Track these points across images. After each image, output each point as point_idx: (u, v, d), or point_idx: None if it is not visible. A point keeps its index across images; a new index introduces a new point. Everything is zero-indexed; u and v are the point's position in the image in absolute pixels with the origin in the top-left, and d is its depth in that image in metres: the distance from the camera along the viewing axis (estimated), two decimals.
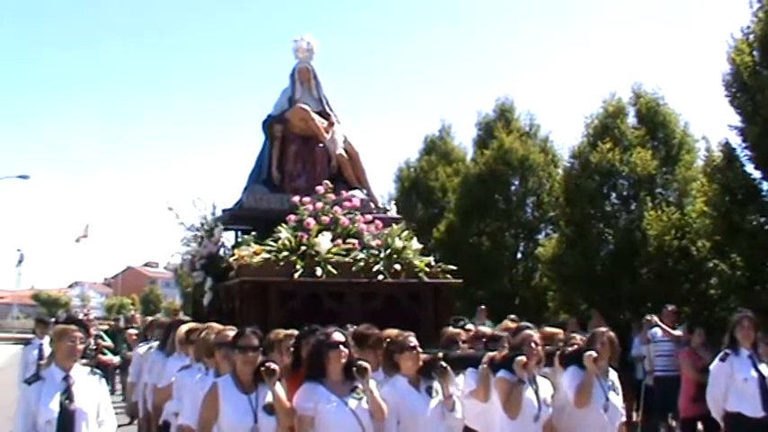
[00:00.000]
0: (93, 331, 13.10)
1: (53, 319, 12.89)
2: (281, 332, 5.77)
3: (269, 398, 4.62)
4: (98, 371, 5.47)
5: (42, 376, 5.13)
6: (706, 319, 12.76)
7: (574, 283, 15.69)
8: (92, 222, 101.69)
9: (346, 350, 4.75)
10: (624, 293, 14.52)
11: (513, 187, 20.30)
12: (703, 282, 13.82)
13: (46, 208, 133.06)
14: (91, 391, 5.13)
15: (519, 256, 20.44)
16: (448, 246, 19.36)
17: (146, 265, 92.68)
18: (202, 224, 9.64)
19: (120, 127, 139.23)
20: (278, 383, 4.66)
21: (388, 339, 5.28)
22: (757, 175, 12.10)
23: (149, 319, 12.38)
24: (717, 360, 7.09)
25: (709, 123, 35.01)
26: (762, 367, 6.99)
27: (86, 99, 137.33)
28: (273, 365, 4.65)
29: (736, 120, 12.19)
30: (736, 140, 12.29)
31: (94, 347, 11.47)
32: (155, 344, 8.43)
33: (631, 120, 16.44)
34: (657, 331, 11.31)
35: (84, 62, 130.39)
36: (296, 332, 5.54)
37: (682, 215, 14.40)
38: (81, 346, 5.19)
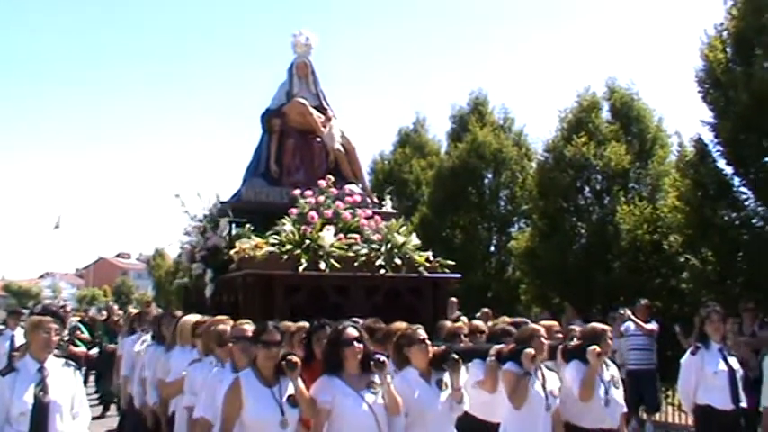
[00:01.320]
0: (69, 323, 12.99)
1: (26, 311, 12.76)
2: (292, 325, 5.80)
3: (290, 390, 4.61)
4: (72, 362, 5.43)
5: (16, 367, 5.05)
6: (677, 313, 12.90)
7: (547, 276, 15.72)
8: (63, 213, 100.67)
9: (361, 345, 4.76)
10: (597, 287, 14.56)
11: (486, 180, 20.24)
12: (675, 276, 13.92)
13: (16, 198, 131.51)
14: (65, 383, 5.09)
15: (492, 249, 20.36)
16: (421, 238, 19.21)
17: (117, 255, 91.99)
18: (206, 216, 9.65)
19: (92, 117, 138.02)
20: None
21: (398, 333, 5.31)
22: (729, 170, 12.16)
23: (133, 311, 12.21)
24: (687, 353, 7.22)
25: (683, 119, 35.36)
26: (731, 360, 7.12)
27: (60, 88, 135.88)
28: (295, 358, 4.63)
29: (708, 116, 12.24)
30: (708, 136, 12.35)
31: (67, 339, 11.32)
32: (146, 337, 8.36)
33: (605, 114, 16.42)
34: (630, 325, 11.43)
35: (66, 54, 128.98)
36: (307, 325, 5.56)
37: (654, 210, 14.48)
38: (56, 338, 5.14)
